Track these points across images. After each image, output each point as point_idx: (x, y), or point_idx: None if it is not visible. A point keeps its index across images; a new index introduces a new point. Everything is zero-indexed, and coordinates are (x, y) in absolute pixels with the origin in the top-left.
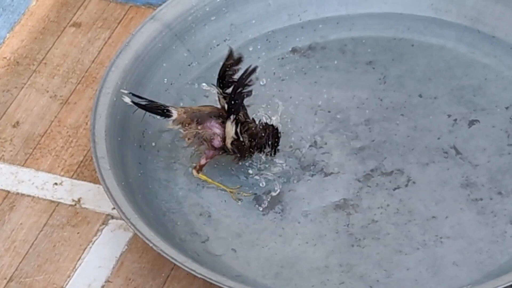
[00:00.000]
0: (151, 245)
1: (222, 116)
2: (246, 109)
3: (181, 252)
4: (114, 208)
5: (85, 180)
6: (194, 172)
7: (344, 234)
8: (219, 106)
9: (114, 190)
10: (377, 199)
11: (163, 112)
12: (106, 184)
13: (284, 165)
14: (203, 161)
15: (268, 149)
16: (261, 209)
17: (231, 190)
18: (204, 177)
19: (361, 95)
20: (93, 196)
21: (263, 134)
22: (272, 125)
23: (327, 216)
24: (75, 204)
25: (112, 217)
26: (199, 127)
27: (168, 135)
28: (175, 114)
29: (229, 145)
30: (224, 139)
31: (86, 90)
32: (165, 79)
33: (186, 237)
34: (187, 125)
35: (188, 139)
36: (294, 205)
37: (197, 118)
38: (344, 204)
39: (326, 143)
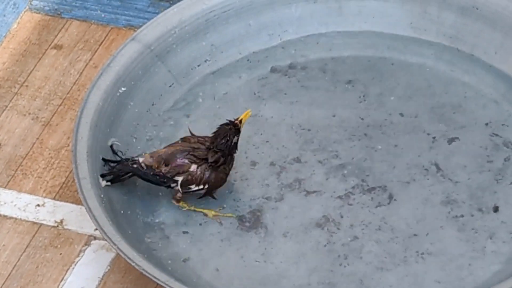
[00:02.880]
0: (133, 265)
1: (190, 151)
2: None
3: (163, 272)
4: (96, 229)
5: (67, 201)
6: (174, 202)
7: (326, 252)
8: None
9: (96, 211)
10: (358, 217)
11: (131, 165)
12: (88, 205)
13: (265, 183)
14: (179, 195)
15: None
16: (244, 228)
17: (214, 213)
18: (185, 206)
19: (342, 113)
20: (75, 217)
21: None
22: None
23: (308, 234)
24: (58, 225)
25: (95, 238)
26: (166, 169)
27: None
28: (141, 160)
29: (210, 159)
30: (193, 175)
31: (68, 112)
32: (147, 100)
33: (168, 256)
34: (156, 168)
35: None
36: (276, 223)
37: (163, 159)
38: (325, 222)
39: (307, 161)
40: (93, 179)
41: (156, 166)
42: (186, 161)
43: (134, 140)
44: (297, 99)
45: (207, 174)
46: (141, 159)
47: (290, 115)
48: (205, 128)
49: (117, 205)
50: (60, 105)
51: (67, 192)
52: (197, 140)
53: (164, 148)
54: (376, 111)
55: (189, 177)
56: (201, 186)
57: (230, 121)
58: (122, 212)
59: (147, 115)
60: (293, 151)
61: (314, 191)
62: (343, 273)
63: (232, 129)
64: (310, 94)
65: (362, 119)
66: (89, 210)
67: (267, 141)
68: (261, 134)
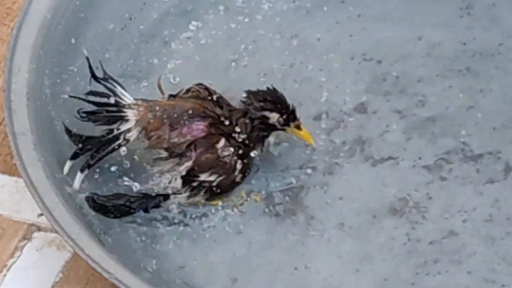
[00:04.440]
0: (103, 272)
1: (210, 116)
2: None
3: (149, 285)
4: (42, 214)
5: None
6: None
7: (404, 254)
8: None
9: (42, 186)
10: (457, 199)
11: (115, 117)
12: (29, 177)
13: (309, 146)
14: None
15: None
16: (274, 216)
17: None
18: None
19: (432, 35)
20: (8, 196)
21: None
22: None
23: (377, 226)
24: None
25: (39, 229)
26: (173, 134)
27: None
28: (132, 116)
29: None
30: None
31: None
32: (121, 11)
33: (157, 261)
34: (153, 131)
35: (155, 148)
36: (326, 208)
37: (169, 119)
38: (404, 206)
39: (375, 111)
40: (37, 136)
41: (153, 128)
42: (212, 130)
43: (102, 73)
44: (360, 11)
45: (238, 161)
46: (129, 112)
47: (348, 37)
48: (219, 56)
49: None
50: None
51: None
52: (219, 105)
53: (169, 99)
54: (486, 31)
55: (210, 157)
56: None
57: (289, 113)
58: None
59: (122, 34)
60: (353, 95)
61: (387, 158)
62: None
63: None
64: (380, 3)
65: (464, 44)
66: (31, 184)
67: (309, 77)
68: (304, 66)
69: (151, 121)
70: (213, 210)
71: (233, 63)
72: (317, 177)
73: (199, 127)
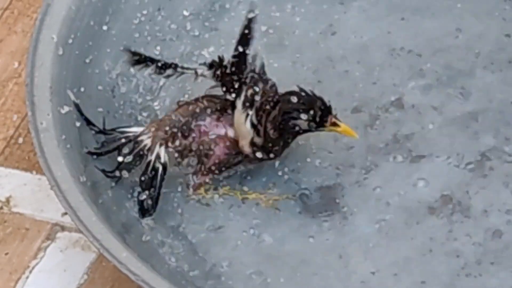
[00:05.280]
0: (129, 274)
1: (219, 109)
2: (262, 79)
3: (176, 286)
4: (66, 213)
5: (17, 168)
6: (190, 192)
7: (444, 255)
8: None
9: (66, 184)
10: (499, 198)
11: (130, 143)
12: (52, 175)
13: (344, 142)
14: (201, 179)
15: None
16: (309, 216)
17: (259, 196)
18: (205, 193)
19: (473, 27)
20: (31, 194)
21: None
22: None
23: (415, 226)
24: (2, 207)
25: (63, 228)
26: (188, 141)
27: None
28: (146, 139)
29: (247, 149)
30: (233, 142)
31: (18, 20)
32: (150, 2)
33: (186, 262)
34: (169, 144)
35: (179, 161)
36: (362, 207)
37: (180, 128)
38: (443, 205)
39: (414, 106)
40: (61, 133)
41: (168, 141)
42: (220, 124)
43: (132, 71)
44: (398, 2)
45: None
46: (142, 137)
47: (386, 29)
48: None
49: (101, 178)
50: (5, 8)
51: (17, 152)
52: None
53: (173, 112)
54: None
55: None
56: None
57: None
58: (109, 190)
59: (150, 26)
60: (391, 89)
61: (426, 155)
62: None
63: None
64: None
65: (509, 36)
66: (55, 182)
67: (346, 71)
68: (340, 59)
69: (165, 137)
70: (245, 209)
71: (266, 55)
72: (352, 175)
73: (207, 123)
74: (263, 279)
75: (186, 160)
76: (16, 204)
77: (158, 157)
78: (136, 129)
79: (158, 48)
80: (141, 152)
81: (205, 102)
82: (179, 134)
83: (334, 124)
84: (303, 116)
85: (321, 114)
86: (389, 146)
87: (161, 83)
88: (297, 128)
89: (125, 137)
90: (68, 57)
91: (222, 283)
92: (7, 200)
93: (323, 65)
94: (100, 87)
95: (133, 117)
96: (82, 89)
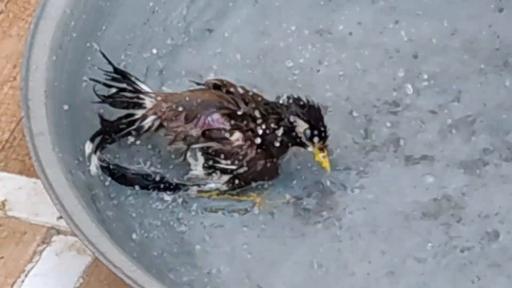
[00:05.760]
0: (124, 278)
1: (225, 107)
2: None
3: None
4: (61, 217)
5: (12, 172)
6: (194, 192)
7: (440, 258)
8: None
9: (61, 188)
10: (495, 200)
11: (132, 102)
12: (47, 178)
13: (341, 144)
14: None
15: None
16: (304, 219)
17: (254, 199)
18: (208, 193)
19: (467, 29)
20: (26, 198)
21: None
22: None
23: (412, 229)
24: None
25: (58, 232)
26: (188, 126)
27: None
28: (148, 104)
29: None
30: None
31: (14, 23)
32: (144, 4)
33: (181, 265)
34: (168, 121)
35: (173, 143)
36: (358, 211)
37: (185, 111)
38: (439, 208)
39: (409, 107)
40: (56, 136)
41: (168, 119)
42: (226, 124)
43: (124, 69)
44: (392, 4)
45: (252, 153)
46: (147, 99)
47: (381, 31)
48: (248, 50)
49: (94, 179)
50: (0, 12)
51: (12, 156)
52: (240, 95)
53: (185, 92)
54: None
55: (227, 148)
56: (239, 167)
57: (320, 131)
58: (101, 192)
59: (143, 29)
60: (386, 90)
61: (421, 157)
62: None
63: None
64: None
65: (499, 37)
66: (49, 185)
67: (341, 74)
68: (335, 62)
69: (166, 111)
70: (241, 212)
71: (262, 58)
72: (348, 177)
73: (214, 118)
74: (256, 279)
75: (175, 145)
76: (11, 208)
77: (142, 126)
78: (145, 87)
79: (154, 51)
80: (135, 107)
81: (214, 97)
82: (184, 116)
83: (321, 150)
84: (304, 123)
85: (319, 132)
86: (385, 149)
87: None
88: (292, 129)
89: (133, 89)
90: (63, 60)
91: (217, 285)
92: (3, 204)
93: (317, 67)
94: (96, 90)
95: None
96: (77, 92)
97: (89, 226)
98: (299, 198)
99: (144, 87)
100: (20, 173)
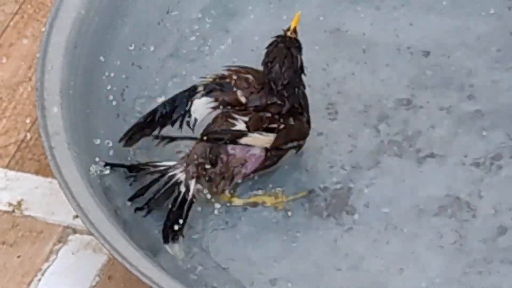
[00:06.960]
0: (140, 276)
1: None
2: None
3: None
4: (77, 216)
5: (28, 172)
6: (226, 194)
7: (454, 253)
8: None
9: (76, 187)
10: (508, 196)
11: (168, 188)
12: (63, 178)
13: (351, 142)
14: (240, 178)
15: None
16: (317, 216)
17: (276, 200)
18: (237, 200)
19: (480, 26)
20: (42, 197)
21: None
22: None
23: (424, 225)
24: (13, 210)
25: (74, 231)
26: (218, 168)
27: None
28: (179, 174)
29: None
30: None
31: (28, 24)
32: (159, 4)
33: (197, 264)
34: (201, 176)
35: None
36: (370, 207)
37: (207, 160)
38: (452, 203)
39: (422, 106)
40: (71, 135)
41: (202, 175)
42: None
43: (139, 69)
44: (404, 1)
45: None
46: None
47: (393, 28)
48: (259, 50)
49: (111, 179)
50: (15, 13)
51: (28, 156)
52: (245, 84)
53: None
54: None
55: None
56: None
57: (278, 36)
58: (120, 192)
59: (157, 29)
60: (398, 88)
61: (434, 155)
62: None
63: (286, 46)
64: None
65: (511, 33)
66: (65, 185)
67: (353, 73)
68: (347, 60)
69: (196, 172)
70: (254, 209)
71: None
72: (361, 174)
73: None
74: (269, 276)
75: (221, 184)
76: (28, 208)
77: (187, 190)
78: (166, 163)
79: (168, 51)
80: (172, 187)
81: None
82: (207, 165)
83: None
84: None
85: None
86: (397, 146)
87: (169, 83)
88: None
89: (158, 171)
90: (78, 60)
91: (231, 281)
92: (19, 204)
93: (330, 65)
94: (109, 89)
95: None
96: (92, 92)
97: (105, 224)
98: (312, 195)
99: (164, 163)
100: (36, 173)
